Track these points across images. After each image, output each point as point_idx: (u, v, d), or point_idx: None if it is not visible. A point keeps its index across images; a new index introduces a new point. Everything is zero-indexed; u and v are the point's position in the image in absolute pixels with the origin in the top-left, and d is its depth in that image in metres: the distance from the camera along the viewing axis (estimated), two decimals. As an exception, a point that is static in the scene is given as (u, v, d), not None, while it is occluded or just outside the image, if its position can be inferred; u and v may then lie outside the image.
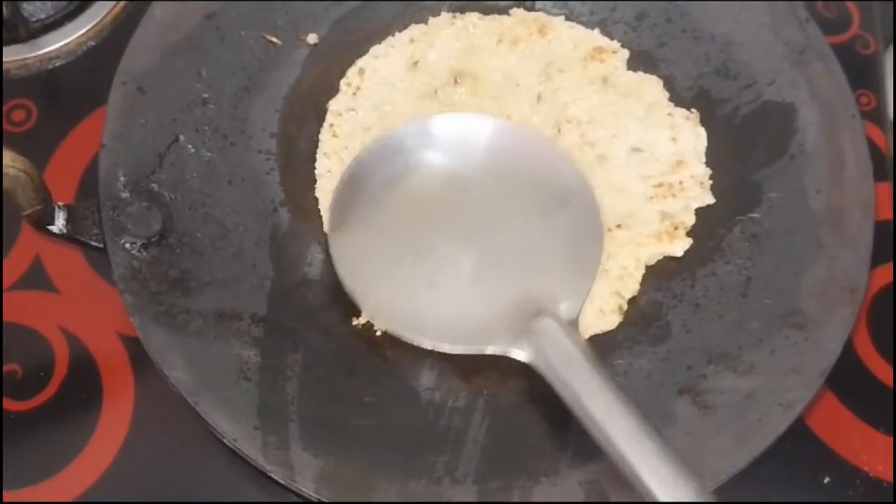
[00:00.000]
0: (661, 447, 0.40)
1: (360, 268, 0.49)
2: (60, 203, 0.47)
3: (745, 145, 0.53)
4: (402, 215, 0.51)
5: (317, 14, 0.56)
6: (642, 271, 0.51)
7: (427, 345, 0.47)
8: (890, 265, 0.56)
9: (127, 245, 0.46)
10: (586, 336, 0.49)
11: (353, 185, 0.51)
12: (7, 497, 0.49)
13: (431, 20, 0.57)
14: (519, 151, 0.53)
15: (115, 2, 0.62)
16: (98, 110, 0.57)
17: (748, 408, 0.45)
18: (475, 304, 0.48)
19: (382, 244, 0.50)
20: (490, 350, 0.46)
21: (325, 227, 0.51)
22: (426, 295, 0.48)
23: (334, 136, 0.53)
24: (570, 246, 0.50)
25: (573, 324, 0.46)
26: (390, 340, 0.49)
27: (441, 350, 0.47)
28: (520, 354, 0.45)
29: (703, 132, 0.54)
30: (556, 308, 0.46)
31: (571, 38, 0.56)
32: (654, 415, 0.45)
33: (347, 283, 0.48)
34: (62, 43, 0.60)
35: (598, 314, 0.49)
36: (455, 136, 0.53)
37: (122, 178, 0.48)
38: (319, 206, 0.52)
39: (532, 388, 0.48)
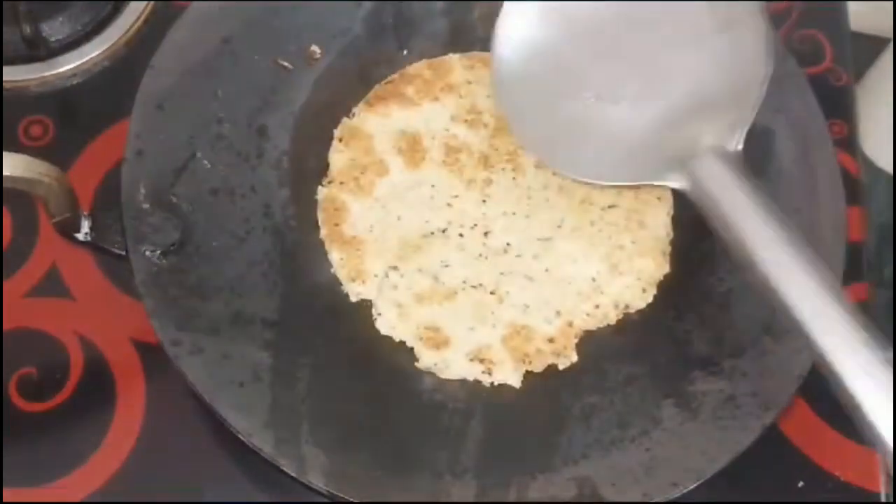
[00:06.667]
0: (826, 276, 0.39)
1: (522, 103, 0.48)
2: (85, 212, 0.49)
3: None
4: (564, 48, 0.49)
5: (325, 42, 0.58)
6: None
7: (584, 179, 0.47)
8: (859, 284, 0.58)
9: (147, 253, 0.48)
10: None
11: (515, 17, 0.50)
12: (21, 495, 0.50)
13: (442, 59, 0.59)
14: None
15: (133, 20, 0.64)
16: (113, 126, 0.59)
17: (729, 410, 0.47)
18: (636, 134, 0.47)
19: (547, 78, 0.49)
20: (646, 182, 0.46)
21: (491, 62, 0.50)
22: (589, 126, 0.47)
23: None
24: (732, 73, 0.47)
25: (736, 153, 0.44)
26: (393, 346, 0.51)
27: (599, 184, 0.48)
28: (677, 182, 0.44)
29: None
30: (716, 137, 0.45)
31: None
32: (640, 417, 0.48)
33: (510, 118, 0.47)
34: (79, 62, 0.62)
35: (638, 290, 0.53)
36: None
37: (142, 191, 0.50)
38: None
39: (528, 391, 0.50)
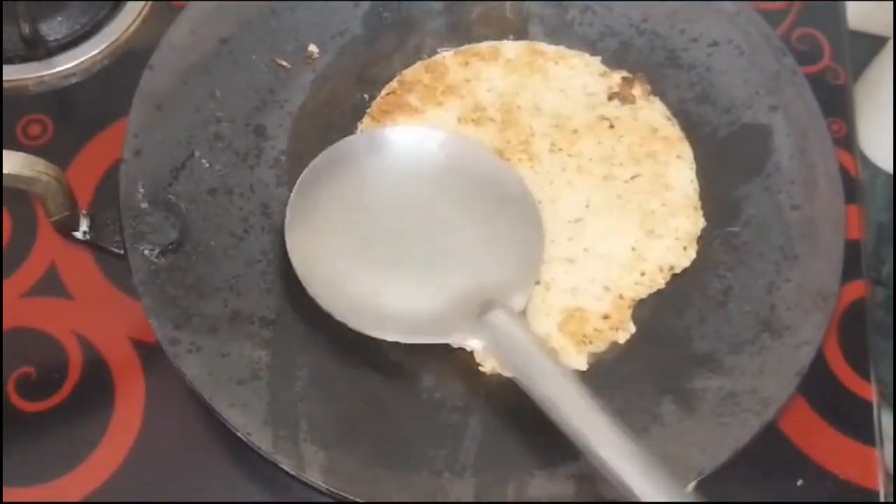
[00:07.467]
0: (609, 420, 0.42)
1: (317, 269, 0.50)
2: (84, 211, 0.49)
3: (725, 165, 0.55)
4: (355, 218, 0.53)
5: (324, 41, 0.59)
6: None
7: (388, 338, 0.48)
8: (858, 282, 0.58)
9: (146, 252, 0.48)
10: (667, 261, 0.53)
11: (307, 188, 0.52)
12: (20, 494, 0.50)
13: (436, 59, 0.59)
14: (463, 159, 0.54)
15: (131, 20, 0.64)
16: (111, 126, 0.59)
17: (728, 407, 0.47)
18: (430, 299, 0.50)
19: (338, 246, 0.51)
20: (447, 340, 0.48)
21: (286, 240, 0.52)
22: (383, 292, 0.50)
23: None
24: (514, 244, 0.52)
25: (522, 314, 0.49)
26: (392, 344, 0.50)
27: (401, 341, 0.49)
28: (475, 344, 0.47)
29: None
30: (505, 300, 0.48)
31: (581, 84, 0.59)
32: (640, 414, 0.48)
33: (307, 284, 0.49)
34: (78, 62, 0.62)
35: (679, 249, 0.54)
36: (404, 145, 0.54)
37: (141, 190, 0.50)
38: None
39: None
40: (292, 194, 0.52)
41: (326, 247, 0.51)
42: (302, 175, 0.53)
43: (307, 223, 0.51)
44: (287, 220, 0.51)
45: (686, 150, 0.57)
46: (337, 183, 0.53)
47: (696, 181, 0.56)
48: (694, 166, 0.56)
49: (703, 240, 0.54)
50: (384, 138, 0.55)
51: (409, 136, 0.55)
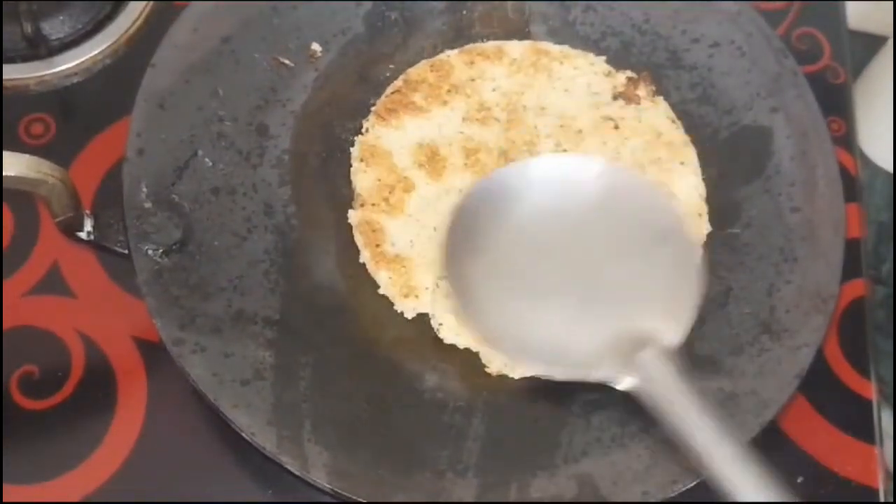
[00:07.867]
0: (760, 471, 0.42)
1: (474, 300, 0.49)
2: (88, 211, 0.49)
3: (726, 166, 0.56)
4: (510, 251, 0.52)
5: (326, 40, 0.59)
6: None
7: (534, 370, 0.49)
8: (858, 281, 0.59)
9: (150, 252, 0.49)
10: None
11: (461, 223, 0.51)
12: (22, 492, 0.50)
13: (441, 58, 0.59)
14: (621, 190, 0.53)
15: (133, 19, 0.64)
16: (113, 125, 0.59)
17: (729, 408, 0.47)
18: (581, 335, 0.49)
19: (494, 278, 0.51)
20: (595, 377, 0.47)
21: (440, 263, 0.52)
22: (533, 322, 0.49)
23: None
24: (669, 279, 0.50)
25: (675, 353, 0.47)
26: (395, 345, 0.51)
27: (549, 377, 0.49)
28: (624, 383, 0.46)
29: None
30: (658, 338, 0.47)
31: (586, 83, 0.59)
32: (640, 414, 0.47)
33: (464, 315, 0.49)
34: (80, 61, 0.62)
35: None
36: (557, 176, 0.53)
37: (144, 190, 0.50)
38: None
39: (529, 388, 0.50)
40: (447, 227, 0.51)
41: (483, 280, 0.50)
42: (455, 207, 0.52)
43: (463, 256, 0.51)
44: (442, 252, 0.51)
45: (690, 155, 0.57)
46: (494, 212, 0.52)
47: (700, 186, 0.56)
48: (699, 171, 0.56)
49: (705, 241, 0.55)
50: (540, 168, 0.54)
51: (566, 166, 0.54)
